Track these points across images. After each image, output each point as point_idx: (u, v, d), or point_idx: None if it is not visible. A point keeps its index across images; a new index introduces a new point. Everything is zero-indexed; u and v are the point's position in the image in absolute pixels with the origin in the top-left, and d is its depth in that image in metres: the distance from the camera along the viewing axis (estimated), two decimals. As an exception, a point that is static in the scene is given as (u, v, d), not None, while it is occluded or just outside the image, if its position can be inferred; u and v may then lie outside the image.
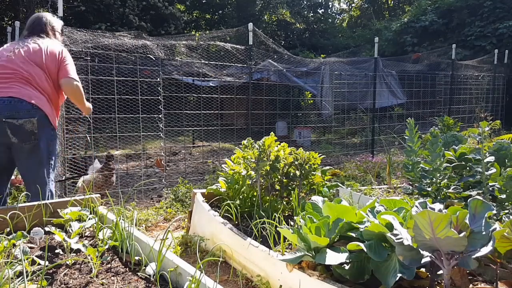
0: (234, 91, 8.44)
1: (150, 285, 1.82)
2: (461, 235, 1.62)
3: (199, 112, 6.29)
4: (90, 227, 2.48)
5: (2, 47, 2.97)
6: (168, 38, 6.77)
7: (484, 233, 1.65)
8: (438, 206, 1.92)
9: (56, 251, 2.14)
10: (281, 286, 2.00)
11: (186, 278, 1.69)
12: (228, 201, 2.82)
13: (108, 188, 4.14)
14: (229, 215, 2.81)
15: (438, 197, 2.99)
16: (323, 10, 24.88)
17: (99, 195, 2.84)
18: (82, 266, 2.01)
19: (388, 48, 15.36)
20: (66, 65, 2.88)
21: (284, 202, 2.93)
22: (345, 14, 29.19)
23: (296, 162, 2.88)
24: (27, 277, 1.66)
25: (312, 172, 2.91)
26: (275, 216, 2.50)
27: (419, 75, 9.53)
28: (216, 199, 3.06)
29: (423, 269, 1.93)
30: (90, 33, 4.72)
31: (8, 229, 2.38)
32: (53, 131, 2.84)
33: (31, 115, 2.70)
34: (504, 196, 2.67)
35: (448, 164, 3.16)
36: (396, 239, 1.75)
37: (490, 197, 2.75)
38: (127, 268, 1.98)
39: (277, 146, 2.89)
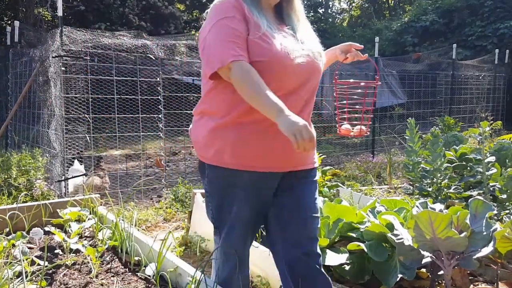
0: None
1: (150, 285, 1.81)
2: (462, 235, 1.61)
3: (199, 112, 6.28)
4: (90, 227, 2.48)
5: None
6: (168, 38, 6.76)
7: (485, 233, 1.65)
8: (438, 206, 1.92)
9: (56, 251, 2.14)
10: (281, 286, 1.99)
11: (186, 279, 1.68)
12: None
13: (105, 188, 4.13)
14: (229, 215, 2.80)
15: (439, 197, 2.98)
16: (323, 10, 24.87)
17: (98, 195, 2.84)
18: (81, 266, 2.00)
19: (389, 48, 15.34)
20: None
21: (284, 202, 2.92)
22: (345, 14, 29.18)
23: (296, 162, 2.87)
24: (26, 278, 1.65)
25: (312, 172, 2.90)
26: (275, 216, 2.49)
27: (419, 75, 9.51)
28: (216, 199, 3.05)
29: (423, 270, 1.93)
30: (89, 32, 4.70)
31: (8, 229, 2.37)
32: (204, 167, 1.59)
33: None
34: (505, 196, 2.67)
35: (449, 164, 3.15)
36: (397, 239, 1.75)
37: (491, 197, 2.74)
38: (127, 269, 1.98)
39: (277, 146, 2.88)
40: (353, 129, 1.90)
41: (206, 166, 1.55)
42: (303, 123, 1.28)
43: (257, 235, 2.55)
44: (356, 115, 2.04)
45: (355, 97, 1.96)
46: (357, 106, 1.95)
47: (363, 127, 1.90)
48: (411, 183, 3.57)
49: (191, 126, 1.70)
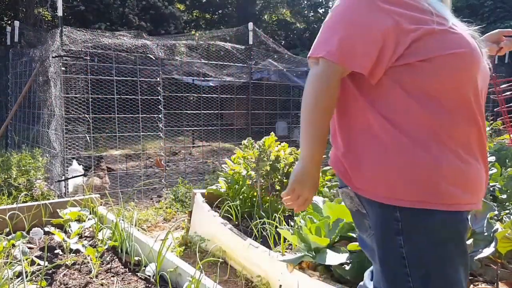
0: (234, 91, 8.44)
1: (150, 285, 1.81)
2: (462, 235, 1.61)
3: (199, 112, 6.28)
4: (90, 227, 2.48)
5: None
6: (168, 38, 6.76)
7: (486, 234, 1.65)
8: (439, 206, 1.92)
9: (56, 251, 2.14)
10: (281, 286, 1.99)
11: (186, 279, 1.68)
12: (228, 202, 2.81)
13: (105, 188, 4.13)
14: (229, 215, 2.80)
15: (439, 197, 2.97)
16: (323, 10, 24.88)
17: (98, 195, 2.84)
18: (81, 266, 2.00)
19: (388, 48, 15.35)
20: None
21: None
22: (345, 14, 29.20)
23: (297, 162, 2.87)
24: (26, 278, 1.65)
25: (313, 172, 2.90)
26: (275, 216, 2.50)
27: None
28: (216, 199, 3.05)
29: (424, 270, 1.92)
30: (89, 32, 4.70)
31: (8, 229, 2.37)
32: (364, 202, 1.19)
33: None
34: (505, 196, 2.66)
35: (449, 164, 3.15)
36: (397, 239, 1.74)
37: (491, 197, 2.74)
38: (127, 269, 1.98)
39: (277, 146, 2.88)
40: None
41: (408, 215, 1.04)
42: (311, 187, 1.17)
43: (257, 235, 2.55)
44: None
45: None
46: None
47: None
48: (411, 183, 3.56)
49: (334, 155, 1.26)
